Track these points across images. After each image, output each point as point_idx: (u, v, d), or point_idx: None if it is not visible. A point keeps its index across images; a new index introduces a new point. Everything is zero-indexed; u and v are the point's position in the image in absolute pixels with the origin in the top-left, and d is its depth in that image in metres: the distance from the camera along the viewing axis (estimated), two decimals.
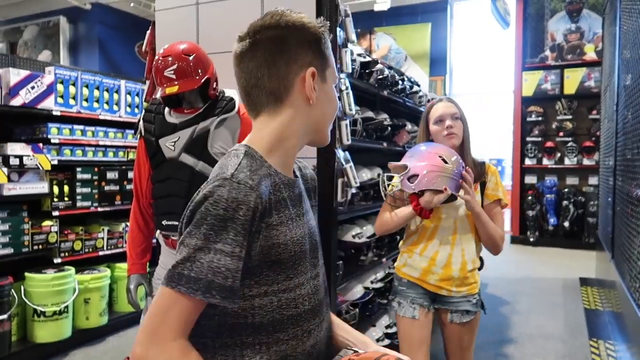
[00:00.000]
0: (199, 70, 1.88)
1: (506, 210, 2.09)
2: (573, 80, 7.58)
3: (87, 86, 3.84)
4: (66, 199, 3.65)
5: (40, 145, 3.38)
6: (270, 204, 0.88)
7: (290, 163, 0.97)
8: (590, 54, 7.55)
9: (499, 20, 7.71)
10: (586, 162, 7.41)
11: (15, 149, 3.23)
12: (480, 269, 2.04)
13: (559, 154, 7.67)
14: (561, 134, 7.61)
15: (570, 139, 7.57)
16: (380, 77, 3.00)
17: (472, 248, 1.96)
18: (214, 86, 1.94)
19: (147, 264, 2.07)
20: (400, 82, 3.40)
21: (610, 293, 3.94)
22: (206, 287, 0.79)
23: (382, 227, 1.99)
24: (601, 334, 3.70)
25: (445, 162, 1.78)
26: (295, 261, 0.90)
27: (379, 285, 2.91)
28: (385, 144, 3.00)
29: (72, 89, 3.73)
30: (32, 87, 3.39)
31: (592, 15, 7.56)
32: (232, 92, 1.98)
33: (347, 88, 2.30)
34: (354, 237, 2.69)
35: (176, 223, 1.88)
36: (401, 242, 2.11)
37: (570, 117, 7.60)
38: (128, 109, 4.17)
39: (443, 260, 1.93)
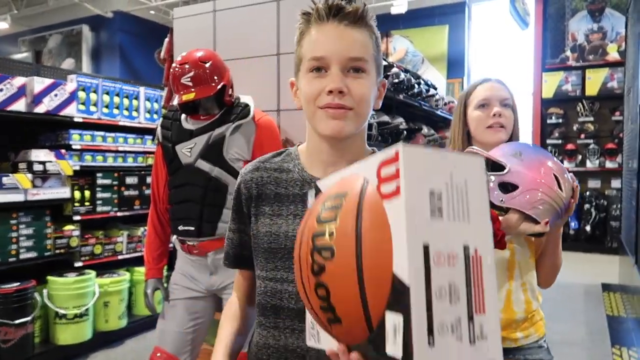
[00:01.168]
0: (215, 78, 1.91)
1: None
2: (595, 81, 7.44)
3: (107, 93, 3.92)
4: (87, 203, 3.72)
5: (63, 151, 3.46)
6: (259, 192, 0.96)
7: (321, 162, 0.93)
8: (613, 54, 7.40)
9: (518, 20, 7.62)
10: (609, 164, 7.26)
11: (39, 155, 3.31)
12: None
13: (580, 157, 7.53)
14: (582, 136, 7.47)
15: (592, 141, 7.43)
16: (396, 81, 2.99)
17: (534, 280, 1.46)
18: (230, 93, 1.96)
19: (164, 268, 2.10)
20: (416, 85, 3.39)
21: (634, 299, 3.84)
22: (224, 256, 1.05)
23: None
24: (624, 341, 3.62)
25: (560, 187, 1.22)
26: (285, 255, 0.91)
27: None
28: None
29: (93, 96, 3.81)
30: (55, 95, 3.47)
31: (615, 15, 7.41)
32: (247, 98, 2.00)
33: None
34: None
35: (192, 228, 1.91)
36: None
37: (592, 119, 7.46)
38: (147, 115, 4.23)
39: (501, 301, 1.40)
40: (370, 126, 2.63)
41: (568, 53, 7.70)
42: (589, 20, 7.59)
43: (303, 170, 0.94)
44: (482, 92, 1.45)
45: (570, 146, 7.52)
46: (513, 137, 1.44)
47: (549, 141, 7.69)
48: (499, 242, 1.22)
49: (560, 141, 7.62)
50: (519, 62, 8.48)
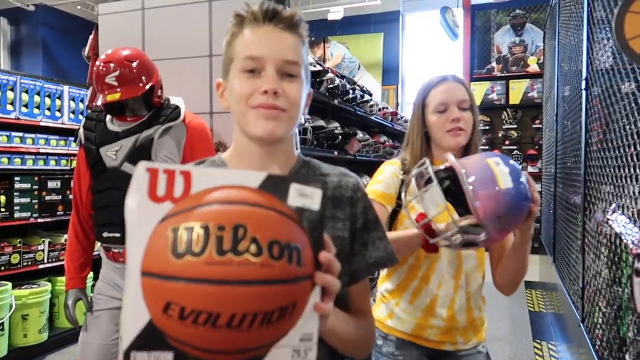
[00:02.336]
0: (143, 77, 1.83)
1: None
2: (517, 91, 7.92)
3: (26, 91, 3.67)
4: (3, 209, 3.46)
5: None
6: None
7: (251, 166, 0.90)
8: (533, 66, 7.91)
9: (448, 32, 7.97)
10: (530, 169, 7.74)
11: None
12: None
13: None
14: (507, 142, 7.92)
15: (515, 147, 7.89)
16: (331, 86, 3.02)
17: (479, 289, 1.45)
18: (159, 93, 1.89)
19: (88, 277, 1.98)
20: (351, 91, 3.45)
21: (552, 295, 4.11)
22: None
23: None
24: (544, 335, 3.86)
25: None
26: None
27: None
28: (336, 153, 3.02)
29: (10, 94, 3.55)
30: None
31: (535, 29, 7.94)
32: (177, 99, 1.94)
33: None
34: None
35: (118, 235, 1.82)
36: (380, 279, 1.51)
37: (515, 126, 7.93)
38: (72, 116, 4.01)
39: (444, 307, 1.38)
40: (305, 130, 2.64)
41: (494, 64, 8.14)
42: (512, 34, 8.08)
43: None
44: (440, 95, 1.40)
45: (496, 152, 7.92)
46: (473, 138, 1.41)
47: None
48: (429, 247, 1.24)
49: (487, 147, 8.03)
50: (450, 71, 8.84)
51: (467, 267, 1.39)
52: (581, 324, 2.41)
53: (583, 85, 2.55)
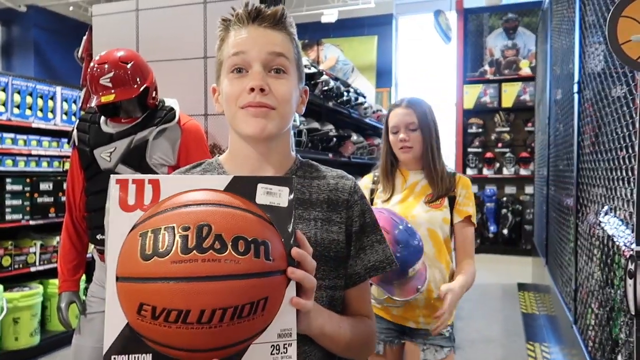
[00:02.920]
0: (137, 79, 1.83)
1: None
2: (510, 94, 7.97)
3: (19, 92, 3.64)
4: None
5: None
6: None
7: (248, 168, 0.89)
8: (526, 70, 7.97)
9: (442, 35, 8.01)
10: (523, 172, 7.79)
11: None
12: None
13: (498, 164, 8.02)
14: (500, 145, 7.97)
15: (508, 150, 7.94)
16: (326, 88, 3.03)
17: (439, 274, 1.65)
18: (154, 95, 1.88)
19: (81, 280, 1.97)
20: (345, 93, 3.46)
21: (545, 297, 4.14)
22: None
23: None
24: (537, 337, 3.88)
25: None
26: None
27: None
28: (331, 155, 3.02)
29: (1, 95, 3.52)
30: None
31: (527, 33, 8.00)
32: (172, 101, 1.94)
33: None
34: None
35: None
36: None
37: (508, 129, 7.98)
38: (64, 117, 3.98)
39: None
40: (300, 132, 2.64)
41: (486, 67, 8.19)
42: (504, 37, 8.14)
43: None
44: (393, 118, 1.74)
45: (489, 154, 7.98)
46: (425, 151, 1.71)
47: (469, 149, 8.12)
48: None
49: (480, 149, 8.08)
50: (443, 73, 8.91)
51: (426, 250, 1.60)
52: (574, 326, 2.43)
53: (575, 89, 2.57)
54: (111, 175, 0.65)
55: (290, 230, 0.66)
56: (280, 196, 0.66)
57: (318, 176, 0.93)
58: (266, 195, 0.66)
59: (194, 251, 0.57)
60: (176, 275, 0.57)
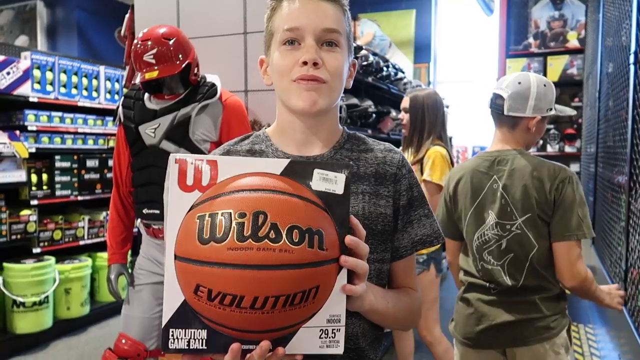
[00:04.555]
0: (180, 55, 1.84)
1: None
2: (556, 67, 7.63)
3: (64, 72, 3.74)
4: (45, 187, 3.57)
5: (17, 132, 3.29)
6: None
7: (294, 142, 0.89)
8: (573, 42, 7.59)
9: (483, 7, 7.72)
10: (568, 149, 7.50)
11: None
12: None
13: (541, 142, 7.75)
14: None
15: (552, 126, 7.64)
16: (365, 63, 2.97)
17: None
18: (195, 71, 1.89)
19: (128, 253, 2.04)
20: (385, 68, 3.38)
21: None
22: None
23: None
24: (581, 318, 3.77)
25: None
26: None
27: None
28: (370, 131, 2.98)
29: (49, 75, 3.63)
30: (8, 73, 3.29)
31: (575, 3, 7.59)
32: (214, 77, 1.94)
33: None
34: None
35: (157, 212, 1.85)
36: None
37: None
38: (108, 96, 4.08)
39: None
40: (339, 108, 2.61)
41: (531, 40, 7.85)
42: (551, 7, 7.75)
43: (277, 150, 0.90)
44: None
45: None
46: (413, 132, 2.38)
47: None
48: None
49: None
50: (484, 48, 8.61)
51: None
52: (624, 307, 2.34)
53: (632, 60, 2.42)
54: (170, 155, 0.66)
55: (344, 217, 0.66)
56: (337, 183, 0.66)
57: (366, 149, 0.91)
58: (322, 181, 0.65)
59: (250, 239, 0.59)
60: (232, 262, 0.58)
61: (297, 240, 0.59)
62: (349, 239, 0.66)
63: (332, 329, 0.64)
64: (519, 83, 1.58)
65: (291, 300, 0.59)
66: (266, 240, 0.59)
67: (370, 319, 0.83)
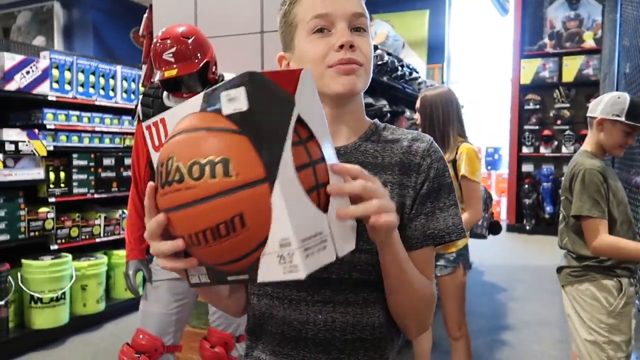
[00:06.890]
0: (198, 54, 1.86)
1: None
2: (571, 68, 7.56)
3: (82, 71, 3.79)
4: (62, 185, 3.62)
5: (36, 131, 3.35)
6: None
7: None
8: (589, 42, 7.51)
9: (498, 7, 7.65)
10: None
11: (10, 134, 3.20)
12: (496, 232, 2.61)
13: (556, 143, 7.67)
14: (559, 122, 7.60)
15: (567, 127, 7.56)
16: (380, 62, 2.97)
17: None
18: (214, 70, 1.91)
19: (146, 249, 2.06)
20: (399, 68, 3.38)
21: None
22: None
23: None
24: None
25: None
26: None
27: None
28: None
29: (67, 74, 3.68)
30: (27, 72, 3.35)
31: (591, 3, 7.51)
32: (231, 75, 1.96)
33: None
34: None
35: None
36: None
37: (568, 105, 7.59)
38: (124, 95, 4.12)
39: None
40: None
41: (546, 40, 7.78)
42: (566, 7, 7.68)
43: None
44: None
45: (546, 132, 7.64)
46: (426, 129, 2.25)
47: (526, 127, 7.80)
48: None
49: (537, 127, 7.74)
50: (498, 48, 8.55)
51: None
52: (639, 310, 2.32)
53: None
54: (142, 123, 0.72)
55: (265, 134, 0.60)
56: (239, 99, 0.60)
57: (393, 139, 0.90)
58: (230, 103, 0.61)
59: (166, 185, 0.63)
60: (162, 207, 0.65)
61: (197, 176, 0.60)
62: (336, 166, 0.67)
63: (287, 253, 0.61)
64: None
65: (219, 233, 0.60)
66: (174, 183, 0.62)
67: (391, 272, 0.80)
